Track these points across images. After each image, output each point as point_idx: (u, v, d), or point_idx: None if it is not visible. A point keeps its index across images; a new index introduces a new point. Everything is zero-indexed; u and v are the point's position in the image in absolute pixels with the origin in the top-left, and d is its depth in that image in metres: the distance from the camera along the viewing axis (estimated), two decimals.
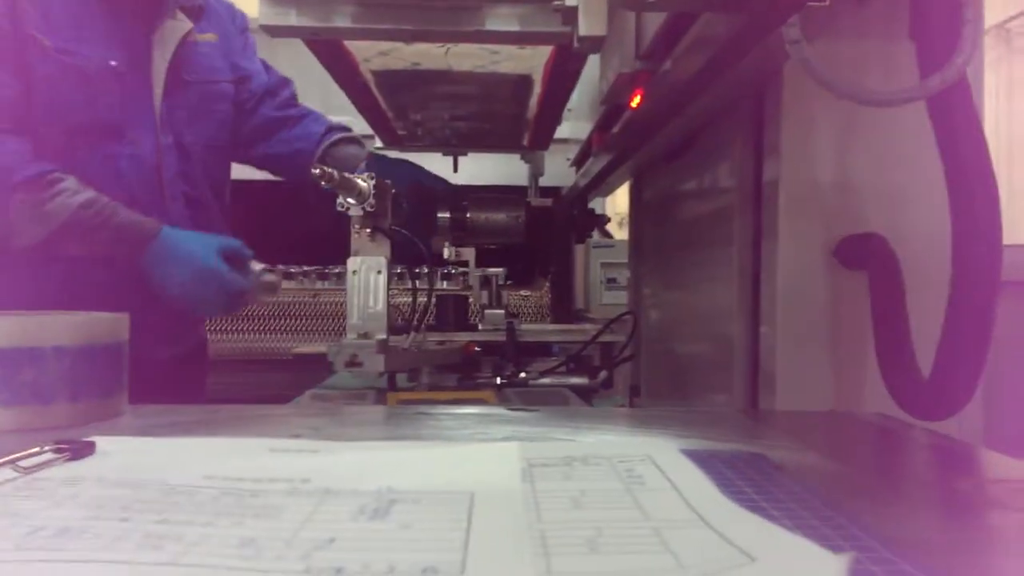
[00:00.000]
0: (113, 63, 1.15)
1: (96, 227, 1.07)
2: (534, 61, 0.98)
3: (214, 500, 0.33)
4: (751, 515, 0.32)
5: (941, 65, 0.56)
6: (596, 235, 1.95)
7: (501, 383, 1.08)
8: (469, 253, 1.28)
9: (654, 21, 0.79)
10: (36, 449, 0.40)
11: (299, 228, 1.45)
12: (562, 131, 1.53)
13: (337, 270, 1.80)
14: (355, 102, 1.23)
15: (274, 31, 0.82)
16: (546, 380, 1.11)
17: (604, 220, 1.50)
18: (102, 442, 0.42)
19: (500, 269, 1.20)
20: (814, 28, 0.64)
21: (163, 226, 1.11)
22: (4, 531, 0.29)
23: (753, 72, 0.80)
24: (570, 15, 0.75)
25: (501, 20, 0.83)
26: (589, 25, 0.73)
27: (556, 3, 0.74)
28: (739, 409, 0.84)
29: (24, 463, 0.38)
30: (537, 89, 1.12)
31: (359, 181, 0.95)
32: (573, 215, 1.33)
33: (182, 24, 1.23)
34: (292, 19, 0.81)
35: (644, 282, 1.42)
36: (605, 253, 1.92)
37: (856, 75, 0.75)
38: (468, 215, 1.25)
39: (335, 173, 0.90)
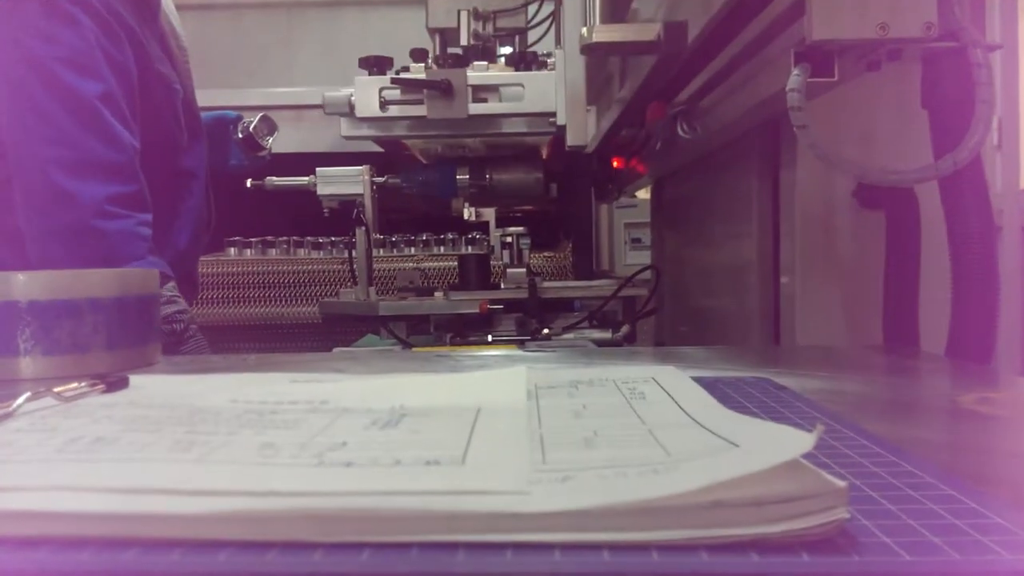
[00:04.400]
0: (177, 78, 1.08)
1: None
2: (541, 139, 1.26)
3: (237, 417, 0.35)
4: (744, 416, 0.33)
5: (954, 143, 0.56)
6: None
7: (523, 339, 1.10)
8: (490, 214, 1.29)
9: None
10: (75, 384, 0.42)
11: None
12: None
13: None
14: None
15: (351, 138, 1.17)
16: (569, 335, 1.13)
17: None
18: (135, 379, 0.45)
19: (520, 228, 1.21)
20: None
21: None
22: (44, 441, 0.31)
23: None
24: (562, 128, 0.99)
25: (513, 125, 1.15)
26: (574, 138, 0.98)
27: (551, 119, 1.08)
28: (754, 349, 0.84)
29: (65, 394, 0.41)
30: (545, 149, 1.33)
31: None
32: (593, 172, 1.33)
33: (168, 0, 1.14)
34: (365, 130, 1.16)
35: (666, 237, 1.42)
36: (629, 213, 1.92)
37: (866, 145, 0.75)
38: (488, 175, 1.26)
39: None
